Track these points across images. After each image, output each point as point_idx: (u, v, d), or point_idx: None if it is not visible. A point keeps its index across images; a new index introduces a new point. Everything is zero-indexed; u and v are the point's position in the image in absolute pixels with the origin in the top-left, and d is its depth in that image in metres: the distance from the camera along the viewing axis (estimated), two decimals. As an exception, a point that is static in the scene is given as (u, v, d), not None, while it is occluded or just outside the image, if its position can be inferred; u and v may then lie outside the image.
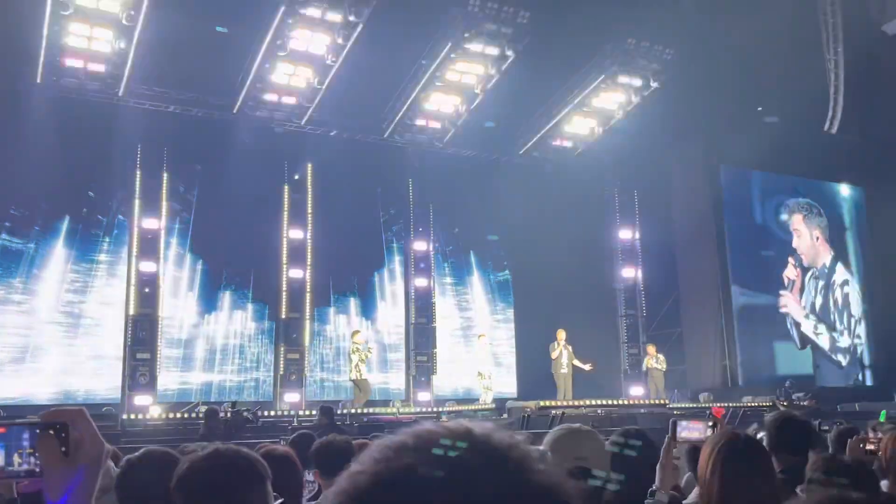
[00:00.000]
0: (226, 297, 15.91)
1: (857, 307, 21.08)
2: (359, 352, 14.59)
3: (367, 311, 17.28)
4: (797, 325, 19.78)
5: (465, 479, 0.75)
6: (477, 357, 15.88)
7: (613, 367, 18.91)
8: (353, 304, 17.16)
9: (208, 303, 15.76)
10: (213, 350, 15.64)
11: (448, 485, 0.75)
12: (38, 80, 13.94)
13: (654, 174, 19.33)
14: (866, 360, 20.68)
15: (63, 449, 1.20)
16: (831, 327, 20.35)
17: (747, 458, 2.53)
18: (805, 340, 19.82)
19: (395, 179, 17.77)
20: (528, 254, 18.45)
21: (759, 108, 17.83)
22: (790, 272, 19.99)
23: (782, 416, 3.36)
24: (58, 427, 1.21)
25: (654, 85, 16.73)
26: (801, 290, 20.10)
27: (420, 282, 17.82)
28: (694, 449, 3.15)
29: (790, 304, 19.78)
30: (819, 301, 20.35)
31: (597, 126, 18.06)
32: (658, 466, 2.81)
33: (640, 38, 16.22)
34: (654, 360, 16.80)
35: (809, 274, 20.35)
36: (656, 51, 16.44)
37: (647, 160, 19.18)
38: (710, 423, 3.00)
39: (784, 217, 20.46)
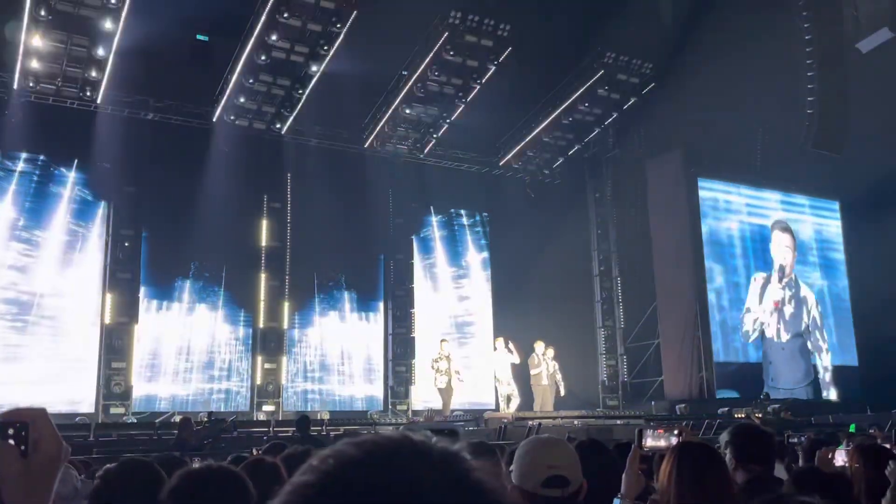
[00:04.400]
0: (202, 308, 15.82)
1: (832, 320, 21.35)
2: (437, 361, 14.78)
3: (349, 320, 17.25)
4: (768, 338, 19.97)
5: (403, 489, 0.76)
6: (495, 364, 15.74)
7: (591, 378, 19.01)
8: (333, 315, 17.14)
9: (184, 311, 15.64)
10: (189, 359, 15.51)
11: (386, 494, 0.75)
12: (15, 87, 13.86)
13: (632, 186, 19.51)
14: (838, 374, 20.92)
15: (22, 448, 1.20)
16: (811, 342, 20.58)
17: (702, 465, 2.59)
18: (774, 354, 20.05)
19: (376, 189, 17.79)
20: (506, 265, 18.57)
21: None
22: (769, 286, 20.22)
23: (741, 427, 3.42)
24: (17, 426, 1.20)
25: (632, 99, 16.92)
26: (780, 303, 20.31)
27: (399, 291, 17.83)
28: (662, 457, 3.21)
29: (764, 318, 19.99)
30: (795, 314, 20.58)
31: (576, 138, 18.21)
32: (624, 474, 2.86)
33: (619, 52, 16.42)
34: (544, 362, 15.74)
35: (785, 286, 20.60)
36: (635, 65, 16.65)
37: (626, 172, 19.37)
38: (676, 432, 3.07)
39: (760, 230, 20.71)
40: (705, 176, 19.97)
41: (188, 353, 15.55)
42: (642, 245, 19.45)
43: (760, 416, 15.05)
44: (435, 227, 18.68)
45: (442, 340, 15.43)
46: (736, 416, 15.20)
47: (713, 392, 18.40)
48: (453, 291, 18.64)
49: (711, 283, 19.30)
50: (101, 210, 15.25)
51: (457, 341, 17.79)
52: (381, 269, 17.84)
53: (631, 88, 16.92)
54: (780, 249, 20.79)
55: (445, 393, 14.86)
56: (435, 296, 18.42)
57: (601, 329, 19.94)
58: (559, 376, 15.66)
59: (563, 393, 15.62)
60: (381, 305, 17.69)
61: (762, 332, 19.75)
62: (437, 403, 15.31)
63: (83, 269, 14.93)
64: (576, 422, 13.95)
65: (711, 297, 19.19)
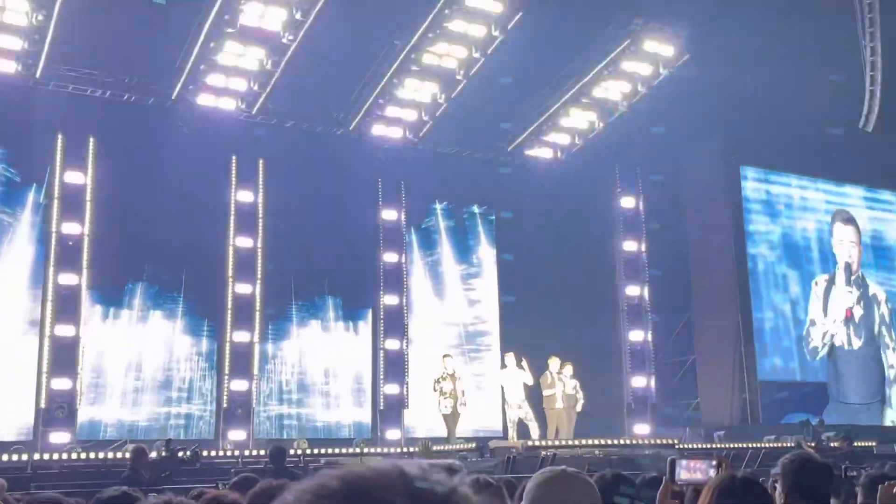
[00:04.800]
0: (157, 316, 15.77)
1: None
2: (439, 382, 14.76)
3: (332, 332, 17.24)
4: (836, 347, 19.88)
5: None
6: (505, 384, 15.62)
7: (614, 400, 18.98)
8: (315, 324, 17.13)
9: (135, 320, 15.59)
10: (140, 377, 15.40)
11: None
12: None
13: (663, 177, 19.49)
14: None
15: None
16: (882, 346, 20.45)
17: (744, 501, 2.55)
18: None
19: (363, 180, 17.77)
20: (516, 267, 18.56)
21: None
22: (833, 290, 20.07)
23: (798, 458, 3.42)
24: None
25: (663, 72, 16.89)
26: (843, 306, 20.20)
27: (390, 300, 17.80)
28: (696, 493, 3.19)
29: (835, 328, 19.86)
30: (866, 316, 20.42)
31: (598, 120, 18.19)
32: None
33: (649, 18, 16.37)
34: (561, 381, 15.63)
35: (847, 288, 20.50)
36: (668, 33, 16.61)
37: (656, 160, 19.33)
38: (715, 464, 3.04)
39: (816, 225, 20.65)
40: (750, 163, 19.96)
41: (139, 369, 15.48)
42: (676, 243, 19.44)
43: (813, 444, 15.04)
44: (440, 218, 18.67)
45: (445, 356, 15.39)
46: (784, 445, 15.18)
47: (758, 417, 18.38)
48: (462, 294, 18.63)
49: (757, 287, 19.27)
50: (30, 195, 15.11)
51: (467, 356, 17.80)
52: (370, 273, 17.81)
53: (663, 60, 16.86)
54: (844, 245, 20.66)
55: (450, 419, 14.81)
56: (438, 300, 18.41)
57: (627, 343, 19.90)
58: (580, 394, 15.61)
59: (578, 407, 15.54)
60: (369, 314, 17.66)
61: (832, 345, 19.63)
62: (440, 430, 15.25)
63: (9, 267, 14.80)
64: (597, 451, 13.94)
65: (758, 305, 19.16)
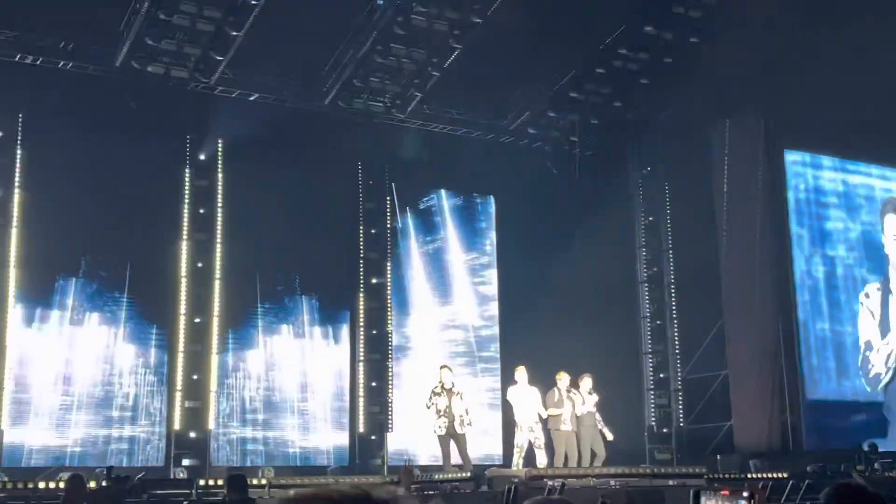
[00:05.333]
0: (94, 320, 15.68)
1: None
2: (433, 397, 14.76)
3: (307, 339, 17.28)
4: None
5: None
6: (514, 402, 15.54)
7: (634, 422, 18.99)
8: (286, 330, 17.11)
9: (67, 324, 15.50)
10: (71, 392, 15.30)
11: None
12: None
13: (690, 161, 19.47)
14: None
15: None
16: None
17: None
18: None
19: (339, 161, 17.76)
20: (517, 268, 18.57)
21: None
22: (892, 299, 20.01)
23: (845, 487, 3.43)
24: None
25: (692, 40, 16.89)
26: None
27: (372, 303, 17.81)
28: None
29: (890, 342, 19.81)
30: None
31: (615, 94, 18.18)
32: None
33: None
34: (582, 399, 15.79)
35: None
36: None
37: (683, 141, 19.31)
38: (747, 495, 3.02)
39: (872, 218, 20.63)
40: (794, 147, 19.92)
41: (71, 383, 15.36)
42: (706, 241, 19.42)
43: (866, 473, 15.06)
44: (433, 204, 18.89)
45: (442, 367, 15.35)
46: (831, 474, 15.19)
47: (801, 442, 18.39)
48: (471, 291, 18.74)
49: (802, 292, 19.25)
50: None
51: (477, 367, 17.82)
52: (351, 269, 17.85)
53: (691, 25, 16.85)
54: (899, 241, 20.63)
55: (444, 442, 14.79)
56: (435, 300, 18.49)
57: (648, 356, 19.92)
58: (599, 421, 15.66)
59: (609, 436, 15.60)
60: (350, 320, 17.68)
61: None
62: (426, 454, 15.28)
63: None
64: (613, 481, 13.92)
65: (802, 313, 19.14)
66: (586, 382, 15.74)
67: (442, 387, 14.90)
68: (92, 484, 11.76)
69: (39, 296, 15.42)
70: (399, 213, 18.46)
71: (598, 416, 15.71)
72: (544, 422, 15.38)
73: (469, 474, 14.67)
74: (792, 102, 18.49)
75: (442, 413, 14.72)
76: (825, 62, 16.79)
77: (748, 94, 18.48)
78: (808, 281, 19.39)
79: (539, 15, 16.26)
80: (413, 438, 17.23)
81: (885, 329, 19.72)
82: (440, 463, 15.13)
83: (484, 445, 17.32)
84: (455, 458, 14.95)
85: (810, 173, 20.16)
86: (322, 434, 17.04)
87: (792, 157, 19.89)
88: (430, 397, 14.89)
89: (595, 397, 15.75)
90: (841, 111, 17.89)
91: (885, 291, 20.14)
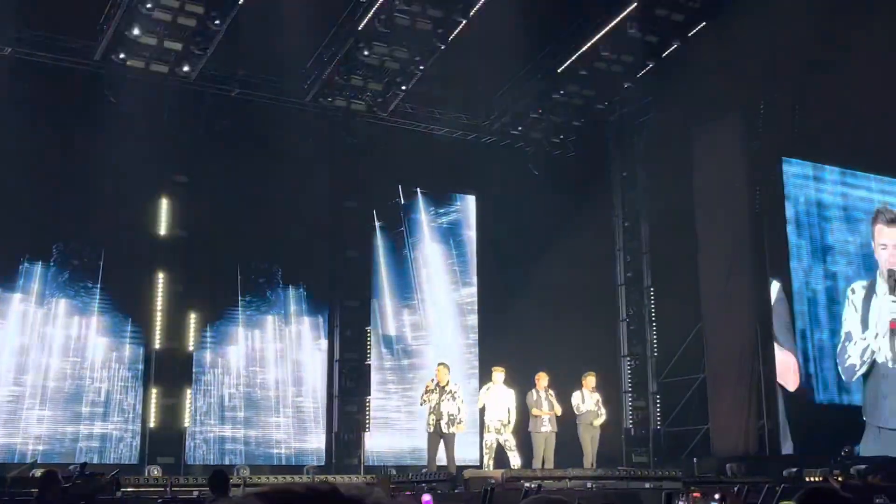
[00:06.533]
0: (63, 307, 15.50)
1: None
2: (425, 395, 14.67)
3: (291, 333, 17.22)
4: (879, 364, 19.93)
5: None
6: (490, 403, 15.41)
7: (611, 424, 18.97)
8: (270, 321, 17.03)
9: (32, 310, 15.34)
10: (41, 384, 15.14)
11: None
12: None
13: (671, 164, 19.49)
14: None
15: None
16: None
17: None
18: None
19: (321, 159, 17.72)
20: (496, 268, 18.58)
21: None
22: (874, 300, 20.08)
23: (814, 491, 3.43)
24: None
25: (675, 44, 16.94)
26: (887, 317, 20.23)
27: (350, 302, 17.77)
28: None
29: (877, 343, 19.87)
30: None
31: (597, 96, 18.21)
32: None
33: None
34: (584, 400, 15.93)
35: (891, 297, 20.55)
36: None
37: (665, 144, 19.34)
38: (718, 497, 2.99)
39: (865, 226, 20.70)
40: (793, 156, 19.94)
41: (45, 375, 15.15)
42: (685, 243, 19.44)
43: (842, 479, 15.10)
44: (413, 204, 18.85)
45: (439, 364, 15.24)
46: (808, 479, 15.25)
47: (778, 447, 18.45)
48: (449, 292, 18.78)
49: (801, 302, 19.30)
50: None
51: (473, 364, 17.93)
52: (332, 266, 17.85)
53: (674, 28, 16.90)
54: (888, 250, 20.76)
55: (432, 440, 14.69)
56: (414, 302, 18.49)
57: (626, 358, 19.93)
58: (602, 410, 15.84)
59: (597, 423, 15.76)
60: (328, 320, 17.65)
61: (872, 363, 19.70)
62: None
63: None
64: (590, 483, 13.92)
65: (800, 321, 19.21)
66: (590, 381, 15.84)
67: (436, 384, 14.84)
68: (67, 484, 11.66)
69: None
70: (378, 212, 18.41)
71: (601, 412, 15.79)
72: (524, 423, 15.39)
73: (455, 474, 14.65)
74: (775, 104, 18.56)
75: (431, 410, 14.70)
76: (820, 67, 16.89)
77: (729, 97, 18.51)
78: (806, 292, 19.48)
79: (523, 15, 16.25)
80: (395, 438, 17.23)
81: (864, 325, 19.87)
82: (423, 463, 15.12)
83: (460, 447, 17.26)
84: (442, 459, 14.93)
85: (811, 185, 20.21)
86: (307, 433, 16.98)
87: (792, 169, 19.92)
88: (423, 394, 14.87)
89: (597, 396, 15.82)
90: (840, 119, 17.96)
91: (870, 291, 20.27)
